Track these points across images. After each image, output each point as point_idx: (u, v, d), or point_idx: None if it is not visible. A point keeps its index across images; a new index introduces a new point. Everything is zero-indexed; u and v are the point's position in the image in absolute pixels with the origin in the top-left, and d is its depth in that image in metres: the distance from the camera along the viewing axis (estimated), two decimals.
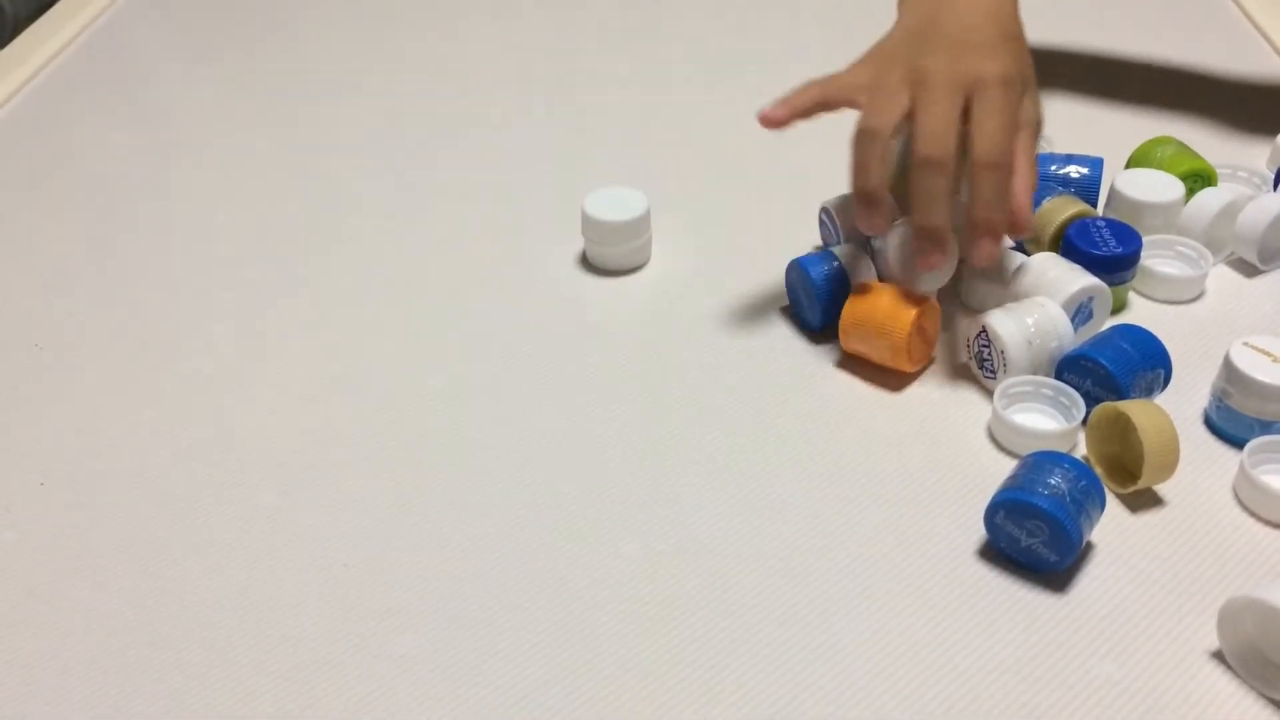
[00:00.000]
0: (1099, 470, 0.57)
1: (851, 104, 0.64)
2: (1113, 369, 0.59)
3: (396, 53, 1.00)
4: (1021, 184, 0.62)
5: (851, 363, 0.65)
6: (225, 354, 0.68)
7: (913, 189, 0.61)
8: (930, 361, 0.65)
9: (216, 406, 0.64)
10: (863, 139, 0.62)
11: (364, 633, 0.52)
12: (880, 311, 0.62)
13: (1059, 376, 0.61)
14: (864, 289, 0.64)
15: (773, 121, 0.65)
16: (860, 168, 0.62)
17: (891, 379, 0.64)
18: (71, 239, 0.78)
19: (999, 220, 0.61)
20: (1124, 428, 0.56)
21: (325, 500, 0.58)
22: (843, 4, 1.05)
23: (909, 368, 0.63)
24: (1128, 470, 0.57)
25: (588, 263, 0.74)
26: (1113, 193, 0.72)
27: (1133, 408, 0.55)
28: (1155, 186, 0.72)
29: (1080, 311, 0.63)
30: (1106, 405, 0.57)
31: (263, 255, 0.76)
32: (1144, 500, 0.57)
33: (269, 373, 0.67)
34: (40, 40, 1.02)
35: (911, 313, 0.62)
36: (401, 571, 0.55)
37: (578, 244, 0.75)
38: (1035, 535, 0.52)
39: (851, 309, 0.63)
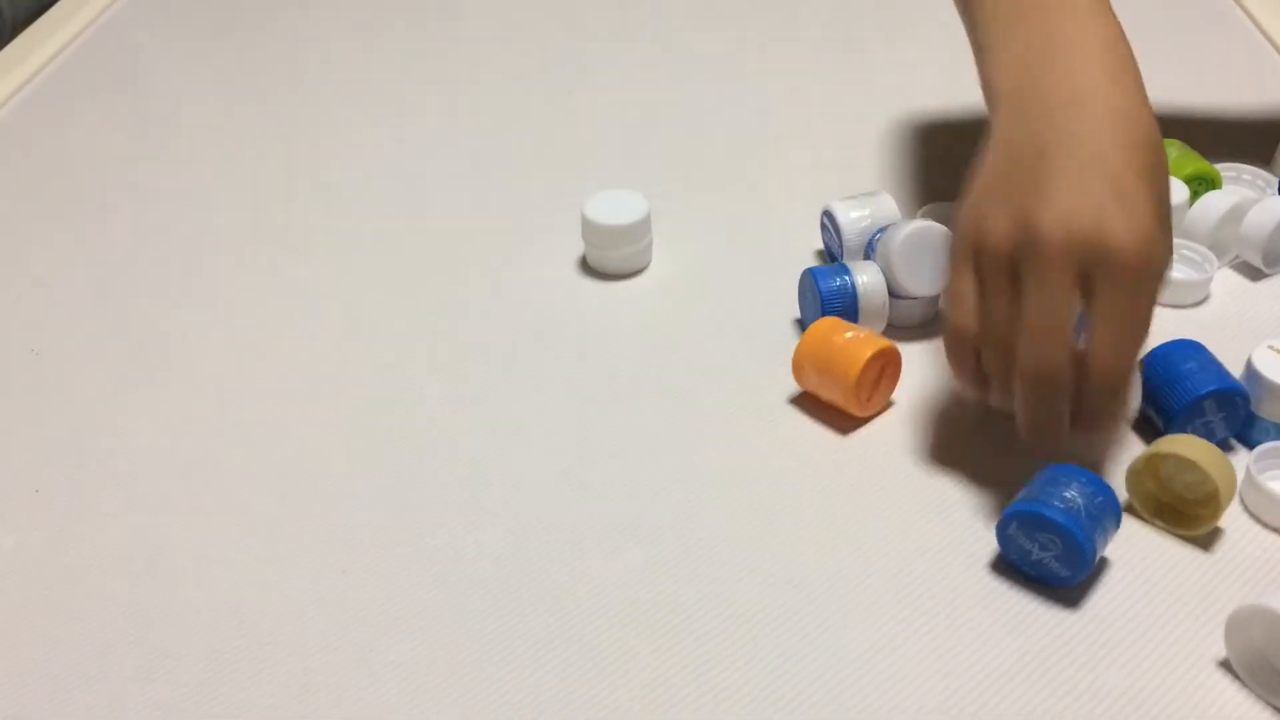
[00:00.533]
0: (1147, 514, 0.55)
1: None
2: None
3: (396, 54, 1.00)
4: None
5: None
6: (222, 359, 0.68)
7: (1020, 404, 0.52)
8: (888, 406, 0.62)
9: (214, 412, 0.64)
10: (952, 343, 0.54)
11: (362, 641, 0.51)
12: (835, 348, 0.60)
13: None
14: (823, 325, 0.61)
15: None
16: (957, 366, 0.55)
17: (902, 385, 0.63)
18: (69, 242, 0.78)
19: (1107, 427, 0.53)
20: (1157, 466, 0.55)
21: (323, 507, 0.58)
22: (843, 5, 1.04)
23: (859, 412, 0.61)
24: (1171, 508, 0.55)
25: (588, 266, 0.73)
26: None
27: (1188, 448, 0.53)
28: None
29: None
30: (1147, 454, 0.54)
31: (261, 258, 0.76)
32: None
33: (266, 378, 0.66)
34: (39, 41, 1.01)
35: (867, 352, 0.59)
36: (400, 578, 0.54)
37: (578, 247, 0.74)
38: (1048, 549, 0.51)
39: (805, 344, 0.61)
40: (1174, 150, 0.75)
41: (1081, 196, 0.49)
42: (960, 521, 0.56)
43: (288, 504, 0.58)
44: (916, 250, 0.64)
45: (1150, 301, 0.51)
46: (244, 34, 1.04)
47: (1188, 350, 0.59)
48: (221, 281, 0.74)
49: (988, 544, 0.54)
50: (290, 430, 0.62)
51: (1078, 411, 0.52)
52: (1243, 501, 0.56)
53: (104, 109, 0.93)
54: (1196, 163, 0.73)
